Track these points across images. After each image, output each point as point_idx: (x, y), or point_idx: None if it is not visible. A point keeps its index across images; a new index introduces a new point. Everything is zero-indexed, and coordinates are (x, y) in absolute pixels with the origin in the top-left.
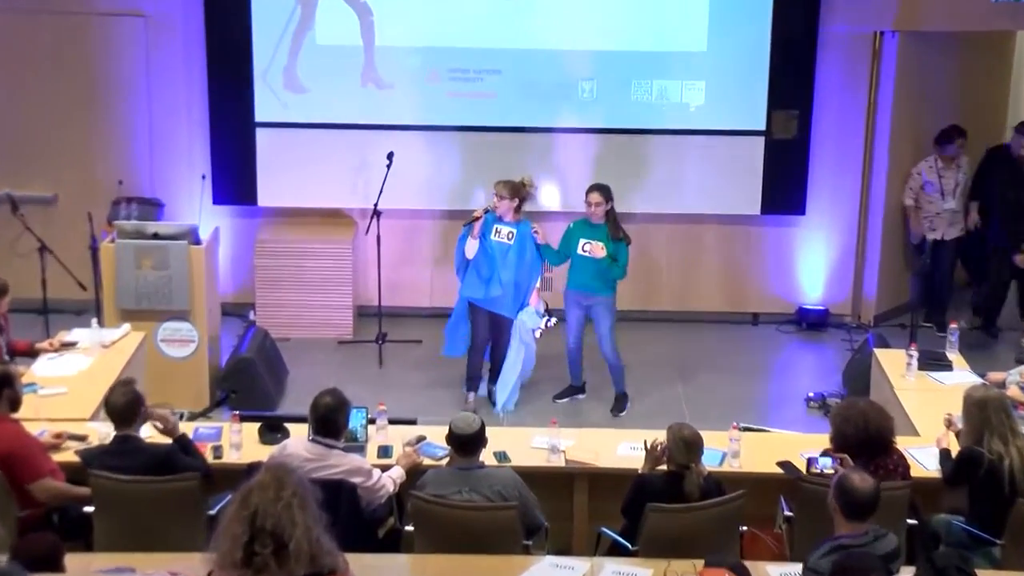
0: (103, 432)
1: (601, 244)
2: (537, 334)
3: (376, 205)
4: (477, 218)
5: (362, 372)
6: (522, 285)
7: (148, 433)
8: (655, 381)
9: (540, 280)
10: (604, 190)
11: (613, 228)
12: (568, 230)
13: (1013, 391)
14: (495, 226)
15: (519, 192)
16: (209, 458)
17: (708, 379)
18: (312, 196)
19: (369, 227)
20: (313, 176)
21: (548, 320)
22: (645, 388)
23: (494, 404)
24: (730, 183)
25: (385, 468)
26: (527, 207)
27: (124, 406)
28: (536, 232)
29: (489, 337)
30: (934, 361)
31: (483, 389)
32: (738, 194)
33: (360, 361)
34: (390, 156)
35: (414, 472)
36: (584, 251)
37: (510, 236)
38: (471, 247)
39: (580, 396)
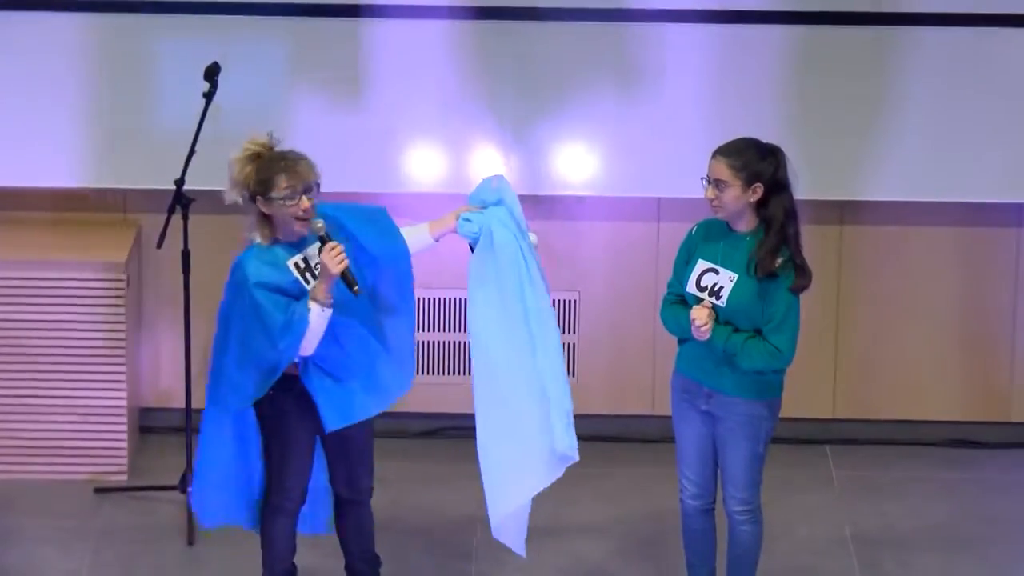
0: None
1: (709, 309)
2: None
3: (180, 184)
4: (346, 269)
5: (153, 560)
6: (389, 306)
7: None
8: (807, 573)
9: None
10: (739, 156)
11: (767, 248)
12: (688, 237)
13: None
14: (296, 258)
15: (314, 168)
16: None
17: (925, 573)
18: (40, 166)
19: (165, 232)
20: (44, 122)
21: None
22: None
23: None
24: (964, 136)
25: None
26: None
27: None
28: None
29: (310, 469)
30: None
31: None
32: (984, 158)
33: (144, 531)
34: (211, 74)
35: None
36: (699, 289)
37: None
38: (319, 334)
39: None
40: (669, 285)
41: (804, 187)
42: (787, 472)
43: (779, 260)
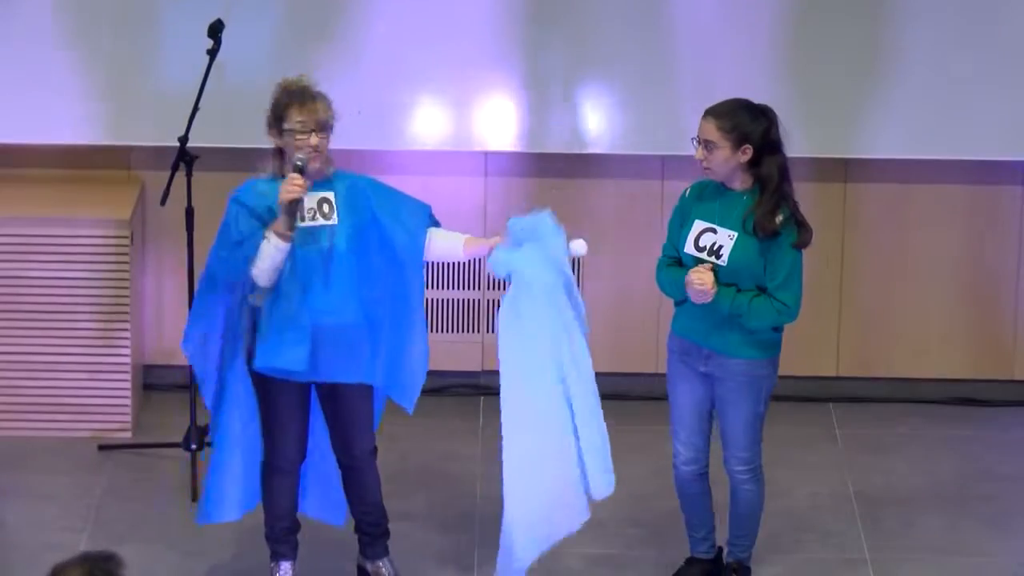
0: None
1: (710, 270)
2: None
3: (184, 141)
4: (292, 200)
5: (158, 518)
6: (394, 301)
7: None
8: (816, 533)
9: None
10: (728, 117)
11: (766, 208)
12: (681, 199)
13: None
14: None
15: (330, 109)
16: None
17: (929, 530)
18: (44, 123)
19: (169, 189)
20: (47, 78)
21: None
22: (788, 547)
23: None
24: (969, 93)
25: None
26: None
27: None
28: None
29: (307, 438)
30: None
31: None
32: (989, 115)
33: (148, 489)
34: (215, 31)
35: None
36: (698, 249)
37: (327, 209)
38: (271, 264)
39: None
40: (664, 249)
41: (808, 145)
42: (791, 430)
43: (779, 218)
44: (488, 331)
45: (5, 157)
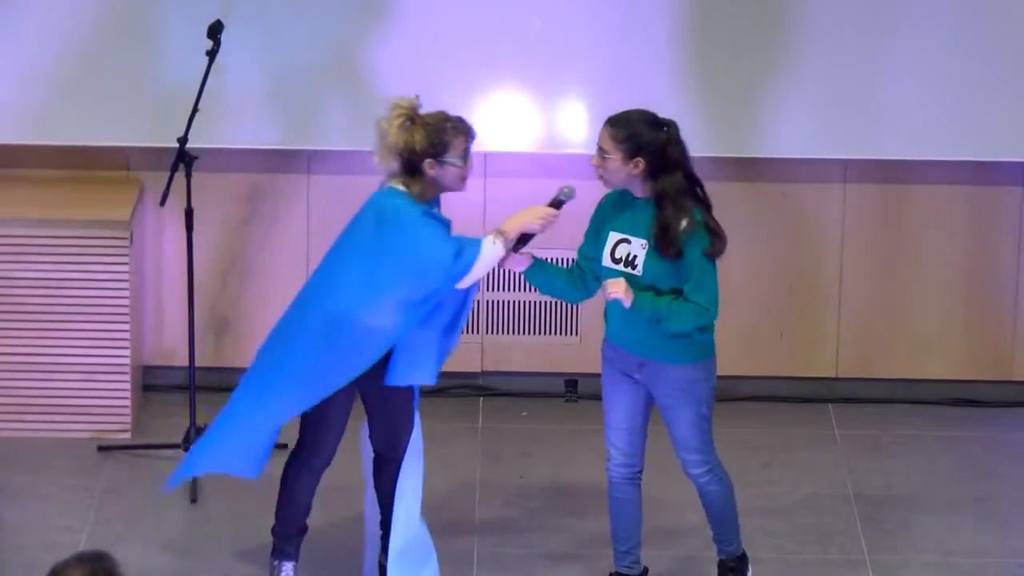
0: None
1: (623, 283)
2: None
3: (183, 142)
4: (524, 236)
5: (156, 518)
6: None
7: None
8: (816, 533)
9: None
10: (624, 127)
11: (668, 217)
12: (597, 208)
13: None
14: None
15: None
16: None
17: (928, 531)
18: (44, 123)
19: (168, 190)
20: (47, 78)
21: None
22: (788, 547)
23: None
24: (969, 94)
25: None
26: None
27: None
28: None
29: (344, 429)
30: None
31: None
32: (988, 116)
33: (147, 489)
34: (214, 32)
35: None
36: (614, 261)
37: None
38: (484, 265)
39: None
40: (575, 268)
41: (807, 145)
42: (790, 431)
43: (683, 223)
44: (488, 331)
45: (5, 157)
